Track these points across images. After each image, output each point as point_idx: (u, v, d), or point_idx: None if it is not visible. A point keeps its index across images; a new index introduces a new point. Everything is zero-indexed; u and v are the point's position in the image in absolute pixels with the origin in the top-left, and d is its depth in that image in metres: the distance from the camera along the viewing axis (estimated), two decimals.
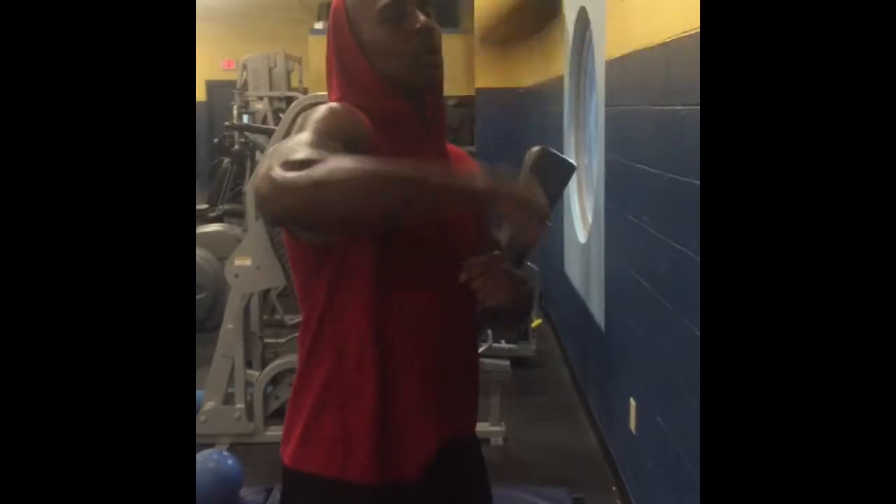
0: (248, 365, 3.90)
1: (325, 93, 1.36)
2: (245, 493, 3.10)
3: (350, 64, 1.28)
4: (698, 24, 0.99)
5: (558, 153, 1.32)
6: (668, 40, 2.47)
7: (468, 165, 1.42)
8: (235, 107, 7.55)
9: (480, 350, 3.93)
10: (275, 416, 3.78)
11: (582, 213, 4.65)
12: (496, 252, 1.27)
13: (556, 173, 1.30)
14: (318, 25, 8.45)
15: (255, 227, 3.68)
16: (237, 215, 6.43)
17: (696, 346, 2.13)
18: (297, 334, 2.35)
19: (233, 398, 3.76)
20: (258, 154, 6.23)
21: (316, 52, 7.98)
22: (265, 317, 4.61)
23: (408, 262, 1.27)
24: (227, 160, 7.68)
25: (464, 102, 7.96)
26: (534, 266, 5.01)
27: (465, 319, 1.35)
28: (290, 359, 3.74)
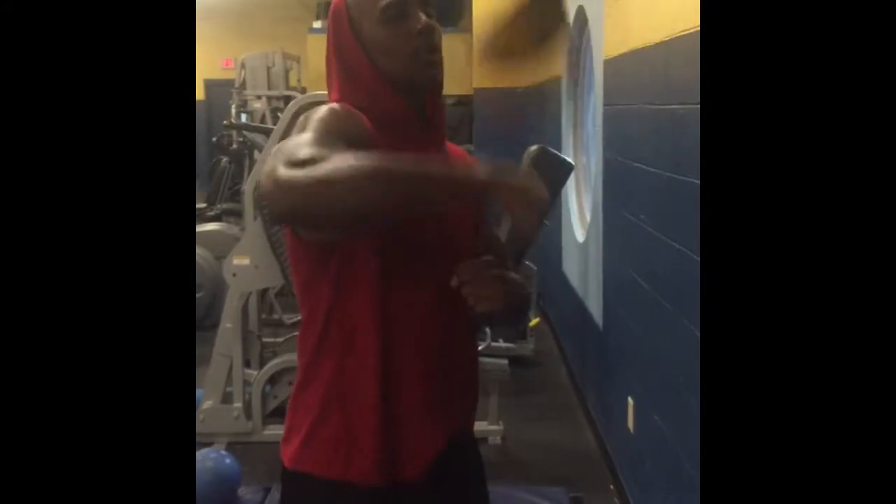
0: (247, 364, 3.90)
1: (324, 92, 1.36)
2: (243, 492, 3.09)
3: (350, 63, 1.28)
4: (698, 23, 0.98)
5: (556, 152, 1.32)
6: (668, 39, 2.47)
7: (467, 163, 1.42)
8: (234, 106, 7.54)
9: (479, 349, 3.93)
10: (273, 415, 3.78)
11: (580, 212, 4.66)
12: (487, 257, 1.26)
13: (554, 172, 1.30)
14: (317, 24, 8.45)
15: (254, 227, 3.67)
16: (235, 214, 6.42)
17: (695, 345, 2.13)
18: (295, 333, 2.35)
19: (231, 397, 3.75)
20: (256, 153, 6.22)
21: (314, 51, 7.98)
22: (263, 316, 4.60)
23: (410, 263, 1.27)
24: (225, 159, 7.67)
25: (463, 101, 7.96)
26: (532, 265, 5.01)
27: (466, 319, 1.35)
28: (289, 358, 3.74)
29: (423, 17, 1.26)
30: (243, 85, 7.36)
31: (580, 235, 4.44)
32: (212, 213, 6.72)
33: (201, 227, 5.85)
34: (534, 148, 1.31)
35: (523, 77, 7.01)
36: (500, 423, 3.84)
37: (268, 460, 3.45)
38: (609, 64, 3.51)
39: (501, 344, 4.51)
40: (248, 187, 3.88)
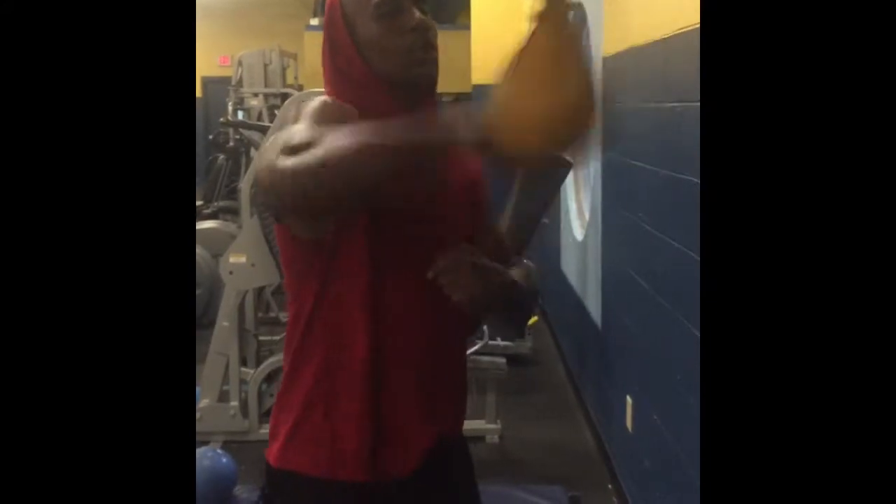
0: (243, 362, 3.90)
1: (320, 89, 1.36)
2: (239, 490, 3.09)
3: (344, 60, 1.28)
4: (698, 20, 0.98)
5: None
6: (667, 36, 2.46)
7: (467, 163, 1.41)
8: (231, 103, 7.52)
9: (477, 347, 3.92)
10: (269, 414, 3.76)
11: (579, 210, 4.65)
12: (463, 245, 1.25)
13: (552, 171, 1.29)
14: (314, 21, 8.42)
15: (250, 224, 3.66)
16: (232, 212, 6.41)
17: (694, 343, 2.12)
18: None
19: (227, 396, 3.75)
20: (253, 151, 6.21)
21: (311, 49, 7.94)
22: (260, 314, 4.60)
23: (398, 260, 1.26)
24: (222, 157, 7.66)
25: (461, 99, 7.95)
26: (530, 263, 5.00)
27: (453, 316, 1.33)
28: None
29: (418, 14, 1.25)
30: (240, 82, 7.34)
31: (579, 234, 4.43)
32: (208, 211, 6.72)
33: (198, 225, 5.84)
34: None
35: None
36: (498, 421, 3.83)
37: (264, 459, 3.43)
38: (608, 61, 3.50)
39: (499, 342, 4.51)
40: (244, 185, 3.87)
